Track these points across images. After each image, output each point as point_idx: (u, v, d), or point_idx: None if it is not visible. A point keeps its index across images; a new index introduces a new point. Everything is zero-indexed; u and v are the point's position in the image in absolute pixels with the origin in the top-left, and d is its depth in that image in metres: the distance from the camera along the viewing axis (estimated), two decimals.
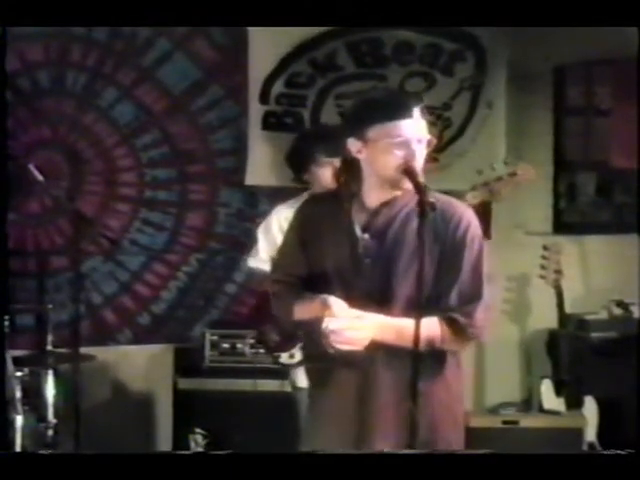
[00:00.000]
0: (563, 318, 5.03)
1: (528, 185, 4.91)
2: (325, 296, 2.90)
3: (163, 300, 5.25)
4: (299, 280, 3.07)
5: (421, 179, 2.81)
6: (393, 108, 2.88)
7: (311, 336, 2.98)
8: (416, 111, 2.88)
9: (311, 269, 3.02)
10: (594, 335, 5.07)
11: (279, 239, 4.07)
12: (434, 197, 2.81)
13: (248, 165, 5.17)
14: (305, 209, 3.14)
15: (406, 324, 2.79)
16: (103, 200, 5.15)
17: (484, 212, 5.28)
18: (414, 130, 2.86)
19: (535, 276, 5.10)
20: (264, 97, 5.17)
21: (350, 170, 2.98)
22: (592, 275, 5.28)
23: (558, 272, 5.00)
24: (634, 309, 5.15)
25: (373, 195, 2.95)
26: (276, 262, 3.23)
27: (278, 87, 5.18)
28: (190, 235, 5.26)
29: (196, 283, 5.26)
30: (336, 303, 2.87)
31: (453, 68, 5.24)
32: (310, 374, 3.26)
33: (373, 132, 2.87)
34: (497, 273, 5.28)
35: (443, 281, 2.87)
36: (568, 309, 5.05)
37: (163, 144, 5.20)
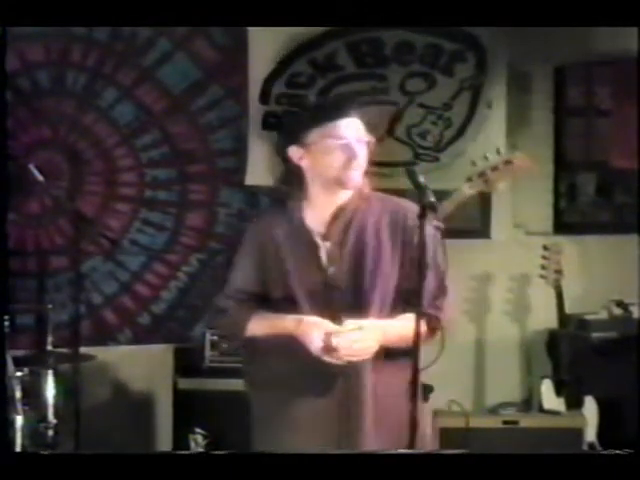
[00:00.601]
0: (563, 318, 5.03)
1: (528, 184, 4.93)
2: (300, 317, 2.89)
3: (163, 300, 5.25)
4: (253, 297, 3.04)
5: (421, 179, 2.82)
6: (328, 110, 2.98)
7: (276, 350, 2.97)
8: (353, 112, 2.93)
9: (269, 284, 3.00)
10: (594, 335, 5.07)
11: None
12: (380, 198, 2.93)
13: (248, 165, 5.17)
14: (258, 224, 3.12)
15: (401, 324, 2.84)
16: (103, 200, 5.15)
17: (483, 210, 5.32)
18: (352, 130, 2.92)
19: (535, 276, 5.10)
20: (264, 97, 5.17)
21: (294, 178, 3.00)
22: (592, 275, 5.28)
23: (558, 272, 5.00)
24: (634, 309, 5.15)
25: (322, 201, 2.96)
26: (230, 278, 3.12)
27: (278, 87, 5.19)
28: (190, 235, 5.26)
29: (196, 283, 5.26)
30: (316, 322, 2.86)
31: (453, 68, 5.24)
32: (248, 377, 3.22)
33: (312, 136, 2.92)
34: (497, 273, 5.34)
35: (412, 279, 2.85)
36: (568, 309, 5.05)
37: (163, 144, 5.20)
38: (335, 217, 2.96)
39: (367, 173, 2.98)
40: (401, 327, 2.84)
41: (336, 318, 2.88)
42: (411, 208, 2.93)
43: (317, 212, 2.98)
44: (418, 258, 2.75)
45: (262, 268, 3.01)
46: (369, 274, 2.91)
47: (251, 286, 3.05)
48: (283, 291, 2.97)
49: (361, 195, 2.96)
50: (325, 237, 2.96)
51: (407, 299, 2.91)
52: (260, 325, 3.01)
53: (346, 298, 2.92)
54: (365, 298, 2.92)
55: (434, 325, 2.95)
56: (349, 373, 2.92)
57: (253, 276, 3.04)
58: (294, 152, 2.96)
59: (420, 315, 2.71)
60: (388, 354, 2.92)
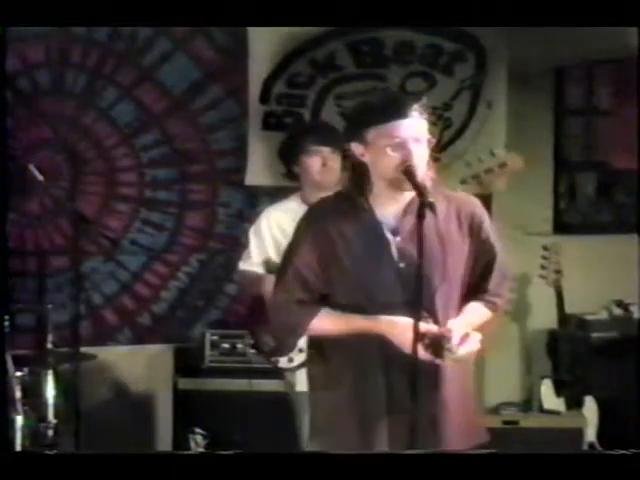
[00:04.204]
0: (563, 318, 5.04)
1: (528, 184, 4.93)
2: (392, 318, 2.86)
3: (163, 300, 5.25)
4: (317, 293, 2.97)
5: (420, 180, 2.82)
6: (388, 109, 2.90)
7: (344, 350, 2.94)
8: (413, 111, 2.88)
9: (334, 281, 2.94)
10: (594, 335, 5.07)
11: (269, 242, 4.07)
12: (445, 195, 2.94)
13: (248, 165, 5.17)
14: (318, 218, 3.01)
15: (474, 316, 3.00)
16: (103, 200, 5.15)
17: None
18: (410, 130, 2.87)
19: (535, 276, 5.10)
20: (264, 97, 5.17)
21: (359, 174, 2.96)
22: (592, 275, 5.28)
23: (558, 272, 5.01)
24: (634, 309, 5.15)
25: (389, 196, 2.94)
26: (288, 274, 3.00)
27: (278, 87, 5.19)
28: (190, 235, 5.26)
29: (196, 283, 5.26)
30: (409, 323, 2.79)
31: (453, 68, 5.24)
32: (313, 379, 3.18)
33: (371, 135, 2.89)
34: None
35: (479, 269, 3.00)
36: (568, 309, 5.05)
37: (163, 144, 5.20)
38: (405, 212, 2.93)
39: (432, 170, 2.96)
40: (477, 319, 2.99)
41: (412, 314, 2.82)
42: (475, 202, 3.03)
43: (385, 207, 2.95)
44: (480, 251, 2.93)
45: (327, 264, 2.94)
46: (440, 269, 2.91)
47: (314, 282, 2.96)
48: (350, 287, 2.93)
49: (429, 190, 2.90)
50: (395, 232, 2.94)
51: (472, 290, 3.00)
52: (331, 323, 2.95)
53: (417, 293, 2.82)
54: (436, 293, 2.91)
55: (496, 313, 3.07)
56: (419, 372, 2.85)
57: (317, 272, 2.95)
58: (356, 148, 2.93)
59: (418, 318, 2.72)
60: None
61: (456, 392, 2.98)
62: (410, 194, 2.91)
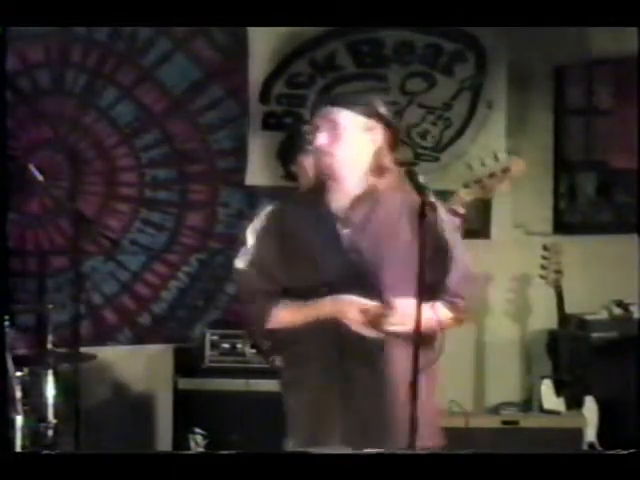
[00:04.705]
0: (563, 318, 5.03)
1: (528, 184, 4.93)
2: (335, 296, 2.92)
3: (163, 300, 5.25)
4: (278, 286, 3.04)
5: (421, 180, 2.83)
6: (322, 104, 3.11)
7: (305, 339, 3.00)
8: (339, 104, 3.02)
9: (294, 273, 3.02)
10: (594, 335, 5.07)
11: None
12: (402, 188, 2.94)
13: (248, 165, 5.17)
14: (280, 213, 3.12)
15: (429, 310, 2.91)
16: (103, 200, 5.15)
17: (483, 210, 5.32)
18: (327, 120, 2.99)
19: (535, 276, 5.10)
20: (264, 97, 5.17)
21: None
22: (592, 275, 5.28)
23: (558, 272, 5.00)
24: (634, 309, 5.15)
25: (341, 190, 3.01)
26: (256, 270, 3.10)
27: (278, 87, 5.19)
28: (190, 235, 5.26)
29: (196, 283, 5.26)
30: (352, 299, 2.91)
31: (453, 68, 5.24)
32: (282, 375, 3.22)
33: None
34: (497, 273, 5.34)
35: (436, 268, 2.92)
36: (568, 309, 5.05)
37: (163, 144, 5.20)
38: (354, 205, 2.99)
39: (384, 162, 3.01)
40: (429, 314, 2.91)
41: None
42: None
43: (338, 201, 3.02)
44: (435, 249, 2.85)
45: (286, 257, 3.03)
46: (389, 262, 2.94)
47: (275, 274, 3.05)
48: (307, 279, 2.99)
49: (380, 183, 3.00)
50: (346, 224, 2.98)
51: (433, 290, 2.94)
52: (290, 314, 3.02)
53: (366, 285, 2.93)
54: (386, 286, 2.94)
55: (459, 314, 3.01)
56: (379, 357, 2.95)
57: (276, 264, 3.04)
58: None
59: (419, 318, 2.72)
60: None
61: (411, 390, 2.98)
62: (362, 188, 2.98)
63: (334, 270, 2.96)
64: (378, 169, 3.00)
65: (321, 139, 2.99)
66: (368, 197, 2.99)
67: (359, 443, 2.85)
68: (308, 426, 3.03)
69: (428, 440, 2.92)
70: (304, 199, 3.12)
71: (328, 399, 2.99)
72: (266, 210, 3.17)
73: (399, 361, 2.93)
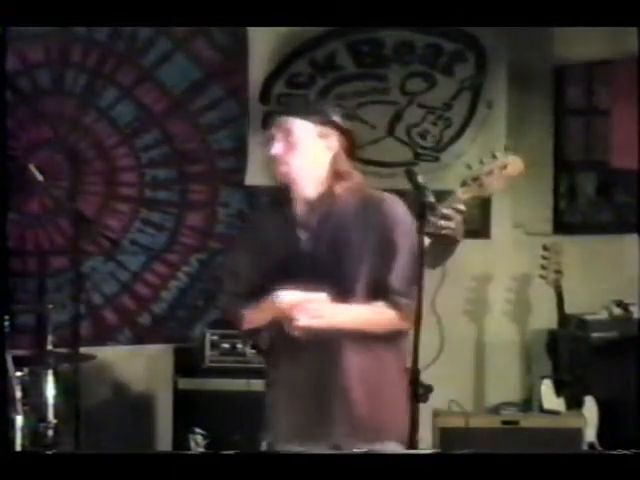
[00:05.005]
0: (563, 318, 5.03)
1: (528, 184, 4.93)
2: (275, 294, 2.98)
3: (163, 300, 5.25)
4: (250, 290, 3.12)
5: (420, 180, 2.83)
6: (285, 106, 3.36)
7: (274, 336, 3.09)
8: (293, 109, 3.18)
9: (262, 278, 3.08)
10: (594, 335, 5.07)
11: None
12: (359, 190, 3.04)
13: (248, 165, 5.17)
14: (249, 221, 3.36)
15: (358, 309, 2.99)
16: (103, 200, 5.15)
17: (482, 210, 5.32)
18: (283, 126, 3.12)
19: (535, 276, 5.10)
20: (264, 97, 5.18)
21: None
22: (592, 275, 5.28)
23: (558, 272, 5.00)
24: (634, 309, 5.15)
25: (302, 196, 3.08)
26: (227, 273, 3.26)
27: (278, 87, 5.19)
28: (190, 235, 5.26)
29: (196, 283, 5.26)
30: (287, 293, 2.97)
31: (453, 68, 5.24)
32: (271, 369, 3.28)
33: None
34: (497, 273, 5.34)
35: (383, 268, 2.99)
36: (568, 309, 5.05)
37: (163, 144, 5.20)
38: (311, 209, 3.06)
39: (341, 167, 3.07)
40: (365, 313, 2.99)
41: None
42: (385, 198, 3.05)
43: (300, 206, 3.09)
44: (375, 249, 2.94)
45: (254, 261, 3.12)
46: (345, 264, 2.99)
47: (244, 277, 3.16)
48: (273, 283, 3.04)
49: (335, 187, 3.06)
50: (306, 228, 3.05)
51: (378, 288, 3.00)
52: (256, 315, 3.10)
53: (325, 288, 2.97)
54: (344, 288, 2.99)
55: (404, 313, 3.00)
56: (325, 352, 3.01)
57: (246, 268, 3.14)
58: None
59: (419, 317, 2.73)
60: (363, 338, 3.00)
61: (368, 388, 3.03)
62: (319, 192, 3.04)
63: (294, 274, 3.01)
64: (336, 174, 3.06)
65: (277, 148, 3.08)
66: (325, 202, 3.05)
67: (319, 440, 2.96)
68: (279, 425, 3.10)
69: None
70: (272, 205, 3.26)
71: (296, 396, 3.06)
72: (250, 214, 3.30)
73: (351, 358, 3.00)
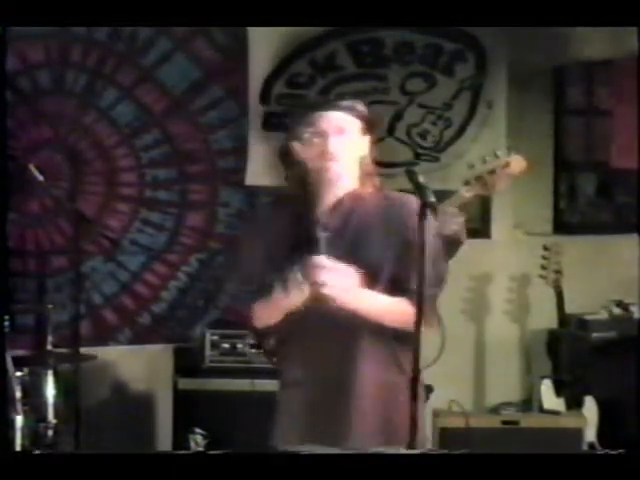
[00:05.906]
0: (563, 318, 5.04)
1: (528, 184, 4.93)
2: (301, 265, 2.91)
3: (163, 300, 5.25)
4: (262, 286, 3.05)
5: (421, 180, 2.83)
6: (315, 104, 3.14)
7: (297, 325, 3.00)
8: (336, 105, 3.00)
9: (275, 275, 3.01)
10: (594, 335, 5.07)
11: None
12: (381, 192, 3.00)
13: (248, 165, 5.17)
14: (260, 218, 3.23)
15: (388, 300, 2.93)
16: (103, 200, 5.15)
17: (483, 210, 5.32)
18: (331, 122, 2.97)
19: (535, 276, 5.10)
20: (264, 97, 5.18)
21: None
22: (592, 275, 5.28)
23: (558, 272, 5.01)
24: (634, 309, 5.15)
25: (324, 193, 3.02)
26: (240, 270, 3.20)
27: (278, 87, 5.19)
28: (190, 235, 5.26)
29: (196, 283, 5.26)
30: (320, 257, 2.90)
31: (453, 68, 5.24)
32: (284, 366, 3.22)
33: (302, 129, 3.00)
34: (497, 273, 5.34)
35: (405, 269, 2.92)
36: (568, 309, 5.05)
37: (163, 144, 5.20)
38: (334, 208, 3.01)
39: (368, 168, 3.02)
40: (387, 303, 2.92)
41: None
42: (410, 200, 2.97)
43: (319, 205, 3.02)
44: (416, 253, 2.78)
45: (266, 259, 3.05)
46: (365, 265, 2.94)
47: (256, 275, 3.07)
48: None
49: (362, 188, 3.01)
50: (325, 228, 2.99)
51: (398, 290, 2.95)
52: (269, 309, 3.04)
53: None
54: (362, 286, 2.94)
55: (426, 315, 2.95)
56: (341, 353, 2.95)
57: (258, 266, 3.06)
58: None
59: (420, 316, 2.72)
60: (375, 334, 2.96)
61: (385, 390, 2.98)
62: (343, 191, 2.99)
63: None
64: (364, 174, 3.03)
65: (334, 144, 2.97)
66: (349, 202, 3.01)
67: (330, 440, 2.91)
68: (291, 426, 3.04)
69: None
70: (283, 203, 3.17)
71: (311, 398, 3.00)
72: (256, 211, 3.23)
73: (368, 360, 2.96)
